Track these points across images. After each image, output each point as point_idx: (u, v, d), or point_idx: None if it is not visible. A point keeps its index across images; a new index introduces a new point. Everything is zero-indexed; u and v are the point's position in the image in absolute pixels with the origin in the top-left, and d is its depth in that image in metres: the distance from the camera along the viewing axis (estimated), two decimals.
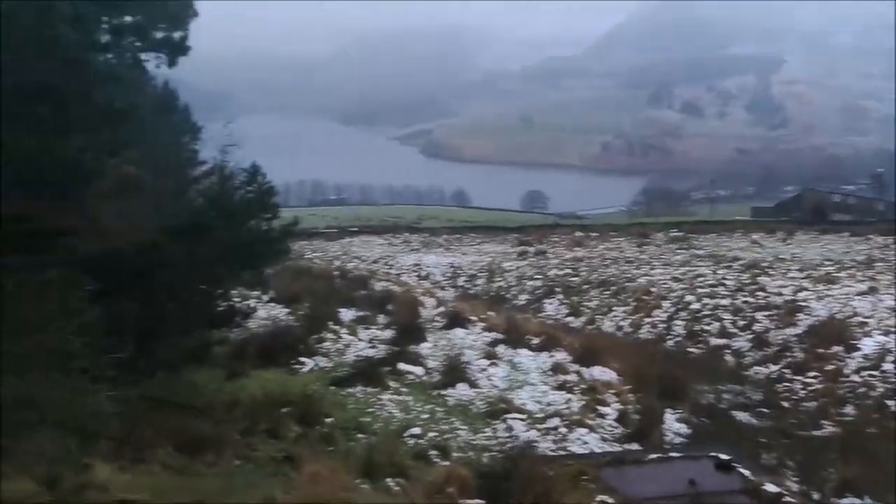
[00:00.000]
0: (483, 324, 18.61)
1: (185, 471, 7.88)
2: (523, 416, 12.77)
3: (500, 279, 31.88)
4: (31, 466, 7.34)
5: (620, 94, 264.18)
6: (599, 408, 13.45)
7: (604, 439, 12.31)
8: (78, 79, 6.61)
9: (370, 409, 12.48)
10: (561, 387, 14.33)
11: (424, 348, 16.11)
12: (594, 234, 44.34)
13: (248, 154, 14.30)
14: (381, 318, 18.51)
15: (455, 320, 18.49)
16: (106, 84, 8.56)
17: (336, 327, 17.24)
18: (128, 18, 9.06)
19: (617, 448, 11.91)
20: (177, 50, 9.79)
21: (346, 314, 18.44)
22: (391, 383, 13.83)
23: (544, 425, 12.53)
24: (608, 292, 26.78)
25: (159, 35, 9.47)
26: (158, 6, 9.23)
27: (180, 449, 8.44)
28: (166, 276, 11.08)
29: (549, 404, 13.48)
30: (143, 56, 10.17)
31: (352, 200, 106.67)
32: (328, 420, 11.38)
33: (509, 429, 12.22)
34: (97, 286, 9.13)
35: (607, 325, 23.67)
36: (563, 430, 12.38)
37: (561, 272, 31.41)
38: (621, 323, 23.61)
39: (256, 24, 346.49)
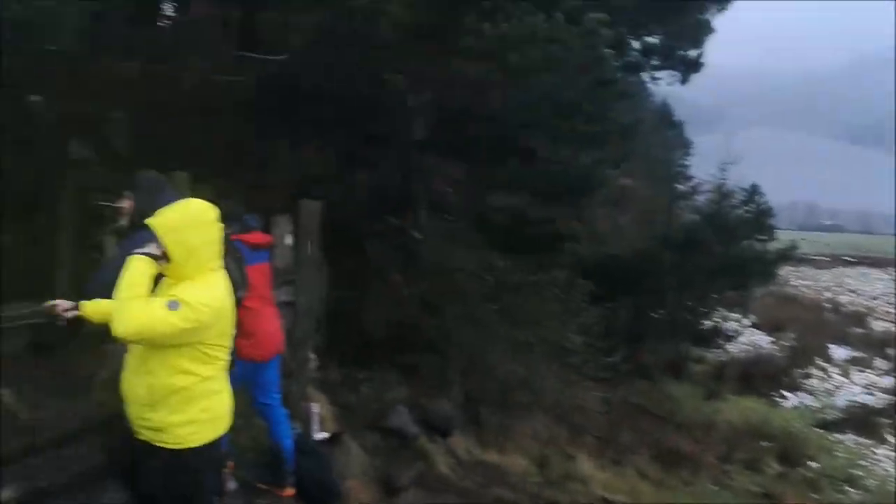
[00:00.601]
0: None
1: (661, 482, 7.95)
2: None
3: None
4: (525, 446, 8.19)
5: None
6: None
7: None
8: (604, 97, 7.11)
9: (862, 462, 11.12)
10: None
11: None
12: None
13: (739, 170, 13.95)
14: (880, 363, 16.54)
15: None
16: (620, 101, 9.07)
17: (825, 365, 15.93)
18: (652, 39, 9.47)
19: None
20: (692, 67, 9.92)
21: (838, 352, 16.94)
22: (889, 437, 12.18)
23: None
24: None
25: (679, 53, 9.71)
26: (684, 26, 9.44)
27: (657, 459, 8.56)
28: (657, 287, 11.37)
29: None
30: (657, 74, 10.52)
31: (848, 227, 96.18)
32: (813, 464, 10.45)
33: None
34: (595, 290, 9.78)
35: None
36: None
37: None
38: None
39: (756, 34, 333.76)
